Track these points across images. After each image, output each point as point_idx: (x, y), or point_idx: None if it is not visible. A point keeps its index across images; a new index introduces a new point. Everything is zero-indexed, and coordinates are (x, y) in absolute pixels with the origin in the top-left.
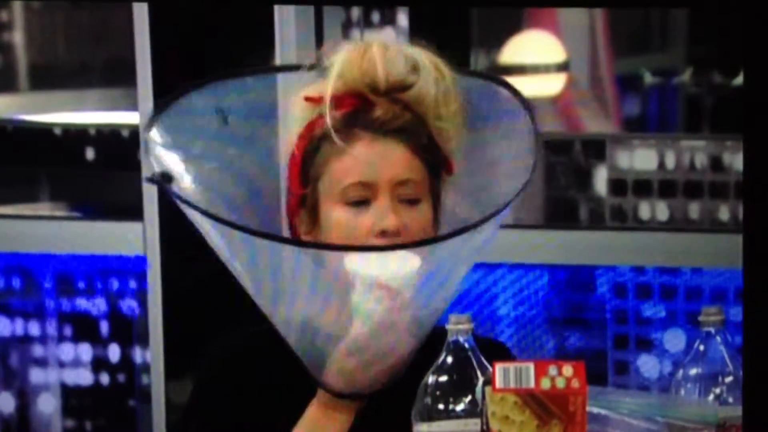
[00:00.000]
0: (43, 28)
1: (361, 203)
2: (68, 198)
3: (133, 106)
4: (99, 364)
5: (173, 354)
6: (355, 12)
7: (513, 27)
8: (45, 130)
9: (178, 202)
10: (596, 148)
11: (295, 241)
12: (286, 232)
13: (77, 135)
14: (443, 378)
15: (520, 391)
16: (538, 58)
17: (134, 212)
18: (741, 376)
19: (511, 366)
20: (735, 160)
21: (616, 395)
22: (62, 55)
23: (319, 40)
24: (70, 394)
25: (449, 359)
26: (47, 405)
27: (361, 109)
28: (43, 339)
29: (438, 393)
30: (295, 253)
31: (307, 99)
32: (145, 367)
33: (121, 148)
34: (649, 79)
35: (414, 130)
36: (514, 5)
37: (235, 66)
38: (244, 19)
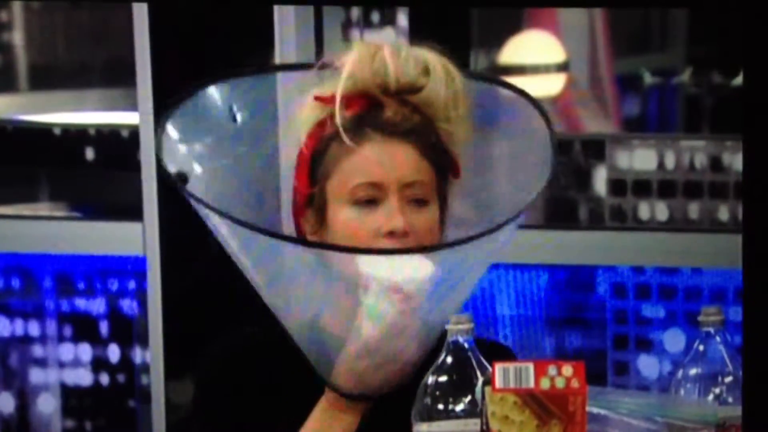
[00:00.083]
0: (42, 28)
1: (369, 204)
2: (68, 198)
3: (132, 107)
4: (99, 364)
5: (173, 354)
6: (355, 12)
7: (513, 27)
8: (45, 130)
9: (193, 201)
10: (596, 148)
11: (319, 244)
12: (287, 231)
13: (77, 135)
14: (443, 378)
15: (519, 391)
16: (537, 58)
17: (134, 212)
18: (740, 376)
19: (511, 366)
20: (734, 160)
21: (616, 395)
22: (62, 55)
23: (319, 40)
24: (70, 395)
25: (449, 359)
26: (47, 405)
27: (371, 110)
28: (42, 339)
29: (438, 393)
30: (309, 254)
31: (318, 99)
32: (145, 368)
33: (120, 149)
34: (648, 79)
35: (423, 132)
36: (514, 5)
37: (235, 66)
38: (244, 19)
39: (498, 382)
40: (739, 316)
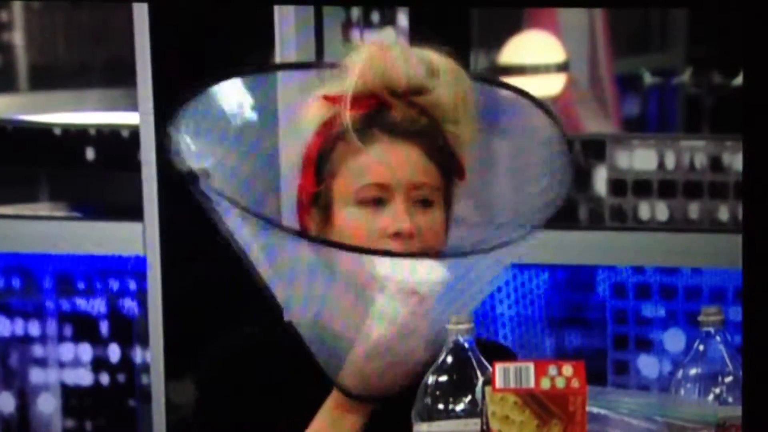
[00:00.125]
0: (43, 28)
1: (375, 204)
2: (68, 198)
3: (133, 107)
4: (99, 364)
5: (173, 354)
6: (355, 12)
7: (513, 27)
8: (45, 130)
9: (210, 196)
10: (596, 148)
11: (345, 245)
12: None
13: (77, 135)
14: (443, 378)
15: (520, 391)
16: (537, 58)
17: (134, 212)
18: (740, 376)
19: (511, 366)
20: (734, 161)
21: (616, 395)
22: (62, 55)
23: (319, 40)
24: (70, 394)
25: (449, 359)
26: (47, 405)
27: (379, 111)
28: (43, 339)
29: (438, 393)
30: (318, 253)
31: (326, 98)
32: (145, 367)
33: (121, 149)
34: (648, 79)
35: (430, 133)
36: (514, 5)
37: (235, 66)
38: (244, 19)
39: (498, 382)
40: (739, 316)
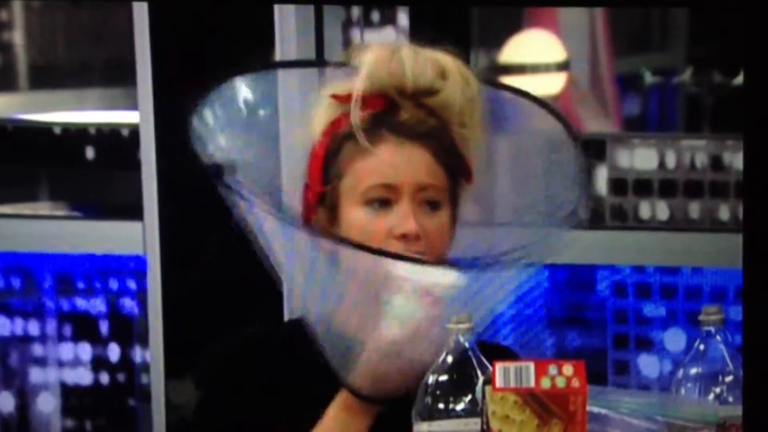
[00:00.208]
0: (43, 27)
1: (381, 205)
2: (68, 197)
3: (133, 106)
4: (99, 363)
5: (173, 354)
6: (356, 11)
7: (513, 26)
8: (45, 129)
9: (233, 192)
10: (596, 148)
11: (364, 246)
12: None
13: (77, 134)
14: (443, 377)
15: (520, 390)
16: (538, 57)
17: (134, 212)
18: (741, 376)
19: (512, 365)
20: (735, 160)
21: (617, 394)
22: (62, 54)
23: (319, 40)
24: (69, 394)
25: (449, 359)
26: (47, 404)
27: (387, 111)
28: (43, 338)
29: (438, 392)
30: (329, 253)
31: (334, 97)
32: (145, 367)
33: (121, 148)
34: (649, 78)
35: (438, 135)
36: (514, 4)
37: (234, 65)
38: (244, 19)
39: (498, 382)
40: (739, 315)
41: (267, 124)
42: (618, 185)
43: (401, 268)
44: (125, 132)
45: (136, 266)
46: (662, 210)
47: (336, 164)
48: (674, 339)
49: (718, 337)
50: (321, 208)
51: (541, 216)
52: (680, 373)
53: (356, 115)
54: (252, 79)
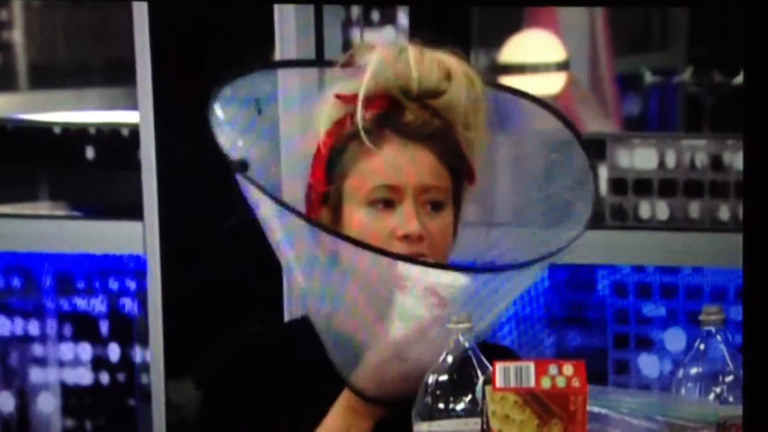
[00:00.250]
0: (42, 27)
1: (385, 206)
2: (68, 197)
3: (132, 106)
4: (99, 363)
5: (173, 353)
6: (355, 11)
7: (513, 26)
8: (45, 129)
9: (253, 189)
10: (596, 148)
11: (375, 248)
12: None
13: (77, 134)
14: (443, 377)
15: (520, 390)
16: (538, 57)
17: (134, 212)
18: (741, 376)
19: (512, 365)
20: (735, 160)
21: (617, 394)
22: (62, 54)
23: (319, 39)
24: (69, 394)
25: (449, 358)
26: (47, 404)
27: (392, 112)
28: (42, 338)
29: (438, 392)
30: (343, 252)
31: (339, 97)
32: (145, 367)
33: (120, 148)
34: (649, 78)
35: (442, 137)
36: (514, 4)
37: (234, 65)
38: (244, 18)
39: (499, 382)
40: (739, 315)
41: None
42: (618, 185)
43: (407, 269)
44: (125, 132)
45: (135, 266)
46: (662, 210)
47: (340, 164)
48: (674, 339)
49: (719, 337)
50: (324, 208)
51: (551, 217)
52: (680, 372)
53: (361, 116)
54: (270, 74)
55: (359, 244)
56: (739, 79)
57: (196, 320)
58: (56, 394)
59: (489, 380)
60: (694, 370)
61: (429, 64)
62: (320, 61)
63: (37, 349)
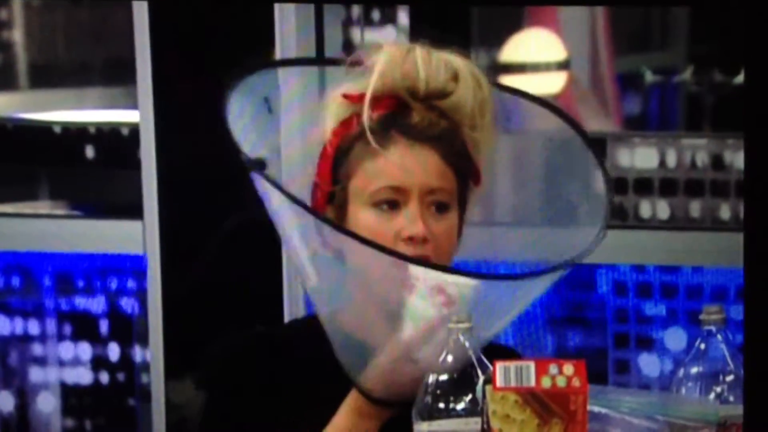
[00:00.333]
0: (42, 26)
1: (390, 207)
2: (68, 196)
3: (133, 105)
4: (98, 363)
5: (173, 353)
6: (356, 10)
7: (513, 25)
8: (45, 128)
9: (268, 186)
10: (597, 147)
11: (383, 247)
12: None
13: (77, 133)
14: (444, 377)
15: (520, 389)
16: (538, 56)
17: (134, 211)
18: (742, 375)
19: (512, 365)
20: (736, 159)
21: (617, 394)
22: (62, 53)
23: (320, 39)
24: (69, 393)
25: (449, 358)
26: (47, 404)
27: (398, 112)
28: (42, 338)
29: (438, 392)
30: (350, 253)
31: (346, 96)
32: (145, 366)
33: (120, 147)
34: (650, 77)
35: (448, 138)
36: (514, 3)
37: (235, 65)
38: (244, 18)
39: (499, 381)
40: (740, 314)
41: (298, 118)
42: (618, 184)
43: (412, 268)
44: (125, 131)
45: (135, 266)
46: (663, 209)
47: (346, 164)
48: (675, 338)
49: (719, 337)
50: (330, 207)
51: (558, 218)
52: (681, 372)
53: (367, 117)
54: (254, 77)
55: (371, 245)
56: (739, 78)
57: (196, 320)
58: (56, 393)
59: (489, 380)
60: (694, 370)
61: (436, 65)
62: (328, 59)
63: (37, 349)
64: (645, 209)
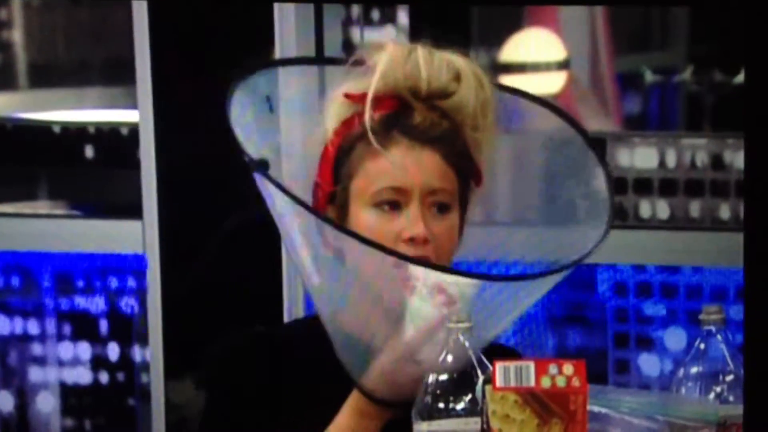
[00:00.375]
0: (42, 26)
1: (391, 208)
2: (67, 196)
3: (132, 105)
4: (98, 362)
5: (173, 353)
6: (356, 10)
7: (513, 25)
8: (44, 128)
9: (272, 187)
10: (597, 146)
11: (386, 248)
12: None
13: (76, 133)
14: (443, 376)
15: (520, 389)
16: (538, 55)
17: (134, 210)
18: (742, 375)
19: (512, 365)
20: (736, 159)
21: (617, 394)
22: (61, 53)
23: (319, 39)
24: (69, 393)
25: (449, 358)
26: (46, 404)
27: (400, 113)
28: (42, 338)
29: (438, 392)
30: (350, 251)
31: (347, 96)
32: (145, 366)
33: (120, 147)
34: (649, 77)
35: (450, 138)
36: (514, 3)
37: (235, 65)
38: (244, 18)
39: (499, 381)
40: (740, 314)
41: (302, 117)
42: (618, 184)
43: (412, 268)
44: (125, 131)
45: (135, 265)
46: (663, 209)
47: (347, 164)
48: (675, 338)
49: (719, 337)
50: (331, 207)
51: (560, 217)
52: (681, 372)
53: (369, 117)
54: (256, 77)
55: (372, 245)
56: (739, 78)
57: (195, 320)
58: (56, 393)
59: (489, 380)
60: (694, 370)
61: (438, 65)
62: (329, 59)
63: (37, 349)
64: (645, 209)
